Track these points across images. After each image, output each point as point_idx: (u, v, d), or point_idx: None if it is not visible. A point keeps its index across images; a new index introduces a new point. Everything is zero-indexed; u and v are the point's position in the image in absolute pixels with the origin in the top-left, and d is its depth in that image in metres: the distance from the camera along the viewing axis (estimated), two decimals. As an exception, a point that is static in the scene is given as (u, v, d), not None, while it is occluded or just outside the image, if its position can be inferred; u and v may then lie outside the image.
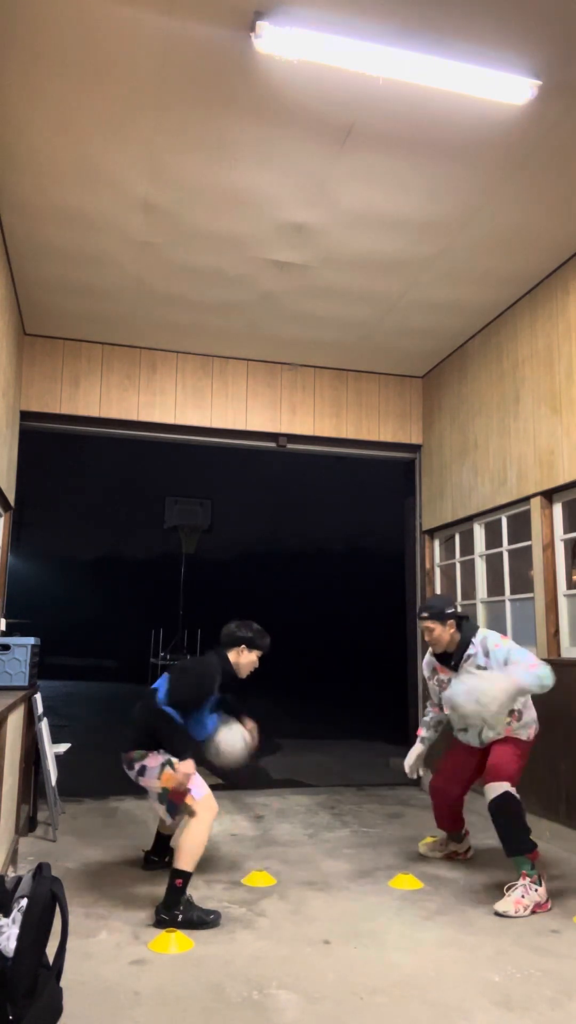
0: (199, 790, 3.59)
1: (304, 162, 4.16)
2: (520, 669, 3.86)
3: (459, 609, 4.39)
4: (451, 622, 4.22)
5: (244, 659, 4.00)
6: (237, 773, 4.03)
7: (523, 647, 4.16)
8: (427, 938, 3.37)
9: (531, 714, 4.14)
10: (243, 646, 3.99)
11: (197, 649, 16.98)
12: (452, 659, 4.25)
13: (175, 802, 3.59)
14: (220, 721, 4.00)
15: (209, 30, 3.24)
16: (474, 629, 4.24)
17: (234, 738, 3.98)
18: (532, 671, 3.82)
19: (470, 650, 4.17)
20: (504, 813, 3.83)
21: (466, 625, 4.27)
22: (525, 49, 3.33)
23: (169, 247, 5.10)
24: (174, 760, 3.60)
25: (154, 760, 3.63)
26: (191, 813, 3.55)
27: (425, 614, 4.27)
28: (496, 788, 3.87)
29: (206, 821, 3.55)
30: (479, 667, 4.09)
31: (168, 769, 3.59)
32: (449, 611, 4.24)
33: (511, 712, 4.06)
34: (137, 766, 3.66)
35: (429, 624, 4.24)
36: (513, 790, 3.88)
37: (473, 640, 4.18)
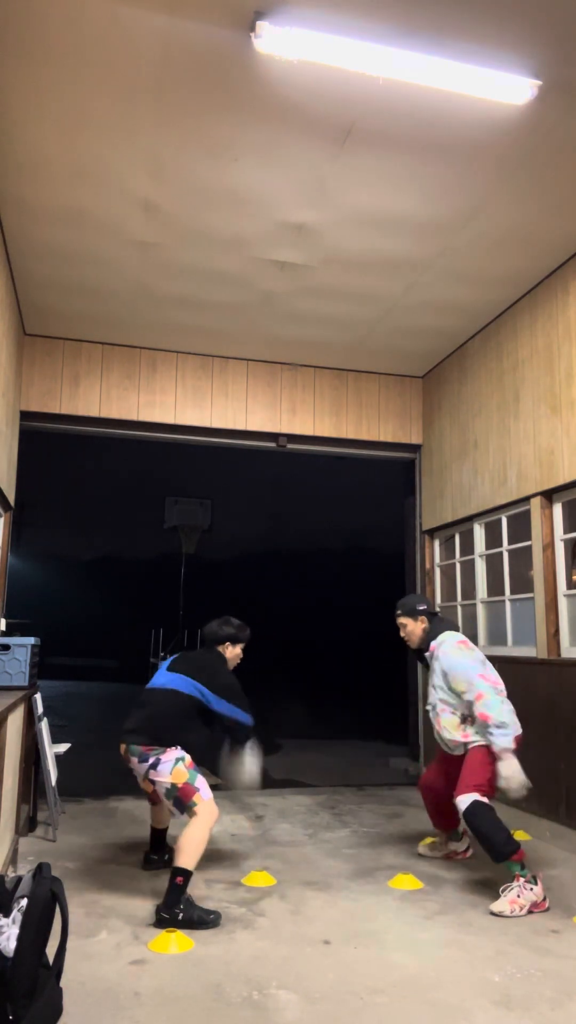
0: (206, 792, 3.64)
1: (304, 162, 4.16)
2: (492, 739, 3.89)
3: (433, 607, 4.51)
4: (422, 618, 4.40)
5: (231, 654, 4.17)
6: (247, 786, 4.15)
7: (469, 658, 4.11)
8: (427, 938, 3.37)
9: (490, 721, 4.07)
10: (228, 642, 4.15)
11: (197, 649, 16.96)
12: (423, 655, 4.43)
13: (183, 799, 3.62)
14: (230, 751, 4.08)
15: (209, 30, 3.24)
16: (439, 630, 4.33)
17: (250, 768, 4.05)
18: (491, 726, 3.89)
19: (428, 651, 4.32)
20: (476, 823, 3.83)
21: (435, 623, 4.39)
22: (525, 49, 3.33)
23: (169, 247, 5.10)
24: (186, 759, 3.69)
25: (169, 755, 3.69)
26: (192, 813, 3.58)
27: (398, 611, 4.48)
28: (463, 801, 3.89)
29: (208, 823, 3.59)
30: (435, 669, 4.25)
31: (180, 766, 3.65)
32: (420, 607, 4.42)
33: (464, 719, 4.10)
34: (152, 759, 3.70)
35: (401, 620, 4.45)
36: (482, 797, 3.87)
37: (434, 641, 4.30)
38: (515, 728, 3.97)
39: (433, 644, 4.29)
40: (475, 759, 4.01)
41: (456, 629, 4.40)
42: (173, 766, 3.65)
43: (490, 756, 3.97)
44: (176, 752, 3.70)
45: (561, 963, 3.12)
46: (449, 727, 4.16)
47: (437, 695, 4.25)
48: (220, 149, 4.06)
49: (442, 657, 4.19)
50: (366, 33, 3.23)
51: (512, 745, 3.88)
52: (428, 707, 4.39)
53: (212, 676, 3.92)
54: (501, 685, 4.08)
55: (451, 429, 6.85)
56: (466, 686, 4.02)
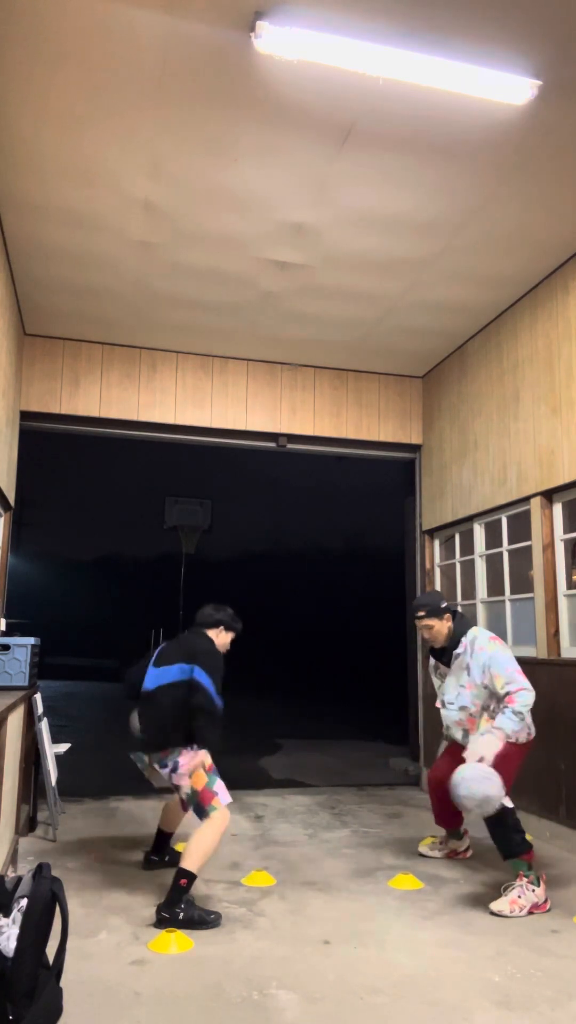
0: (224, 797, 3.62)
1: (304, 162, 4.16)
2: (501, 717, 3.86)
3: (455, 606, 4.43)
4: (447, 616, 4.28)
5: (220, 640, 4.09)
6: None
7: (507, 653, 4.09)
8: (427, 938, 3.37)
9: None
10: (221, 627, 4.10)
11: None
12: (446, 655, 4.30)
13: (202, 804, 3.60)
14: None
15: (209, 30, 3.24)
16: (467, 626, 4.25)
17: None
18: (511, 709, 3.85)
19: (459, 648, 4.21)
20: (493, 818, 3.82)
21: (459, 620, 4.29)
22: (525, 49, 3.32)
23: (169, 247, 5.10)
24: (207, 762, 3.64)
25: (186, 756, 3.64)
26: (209, 817, 3.57)
27: (422, 612, 4.29)
28: None
29: (220, 828, 3.57)
30: (467, 666, 4.14)
31: (200, 771, 3.63)
32: (444, 605, 4.29)
33: (485, 708, 4.08)
34: (170, 763, 3.67)
35: (427, 621, 4.27)
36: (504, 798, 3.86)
37: (464, 638, 4.20)
38: (526, 728, 4.01)
39: (464, 641, 4.18)
40: (500, 753, 3.99)
41: (475, 624, 4.35)
42: (193, 771, 3.63)
43: (514, 750, 3.97)
44: (193, 753, 3.64)
45: (561, 963, 3.12)
46: (483, 726, 4.08)
47: (468, 695, 4.15)
48: (220, 149, 4.06)
49: (479, 653, 4.09)
50: (366, 33, 3.23)
51: (511, 734, 3.84)
52: (449, 705, 4.29)
53: (206, 657, 3.81)
54: None
55: (451, 429, 6.85)
56: (507, 678, 3.96)
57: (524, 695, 3.88)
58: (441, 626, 4.26)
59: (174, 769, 3.66)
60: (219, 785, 3.63)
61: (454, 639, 4.23)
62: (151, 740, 3.72)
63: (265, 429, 7.04)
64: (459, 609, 4.53)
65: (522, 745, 4.05)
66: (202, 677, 3.68)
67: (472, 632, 4.21)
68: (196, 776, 3.62)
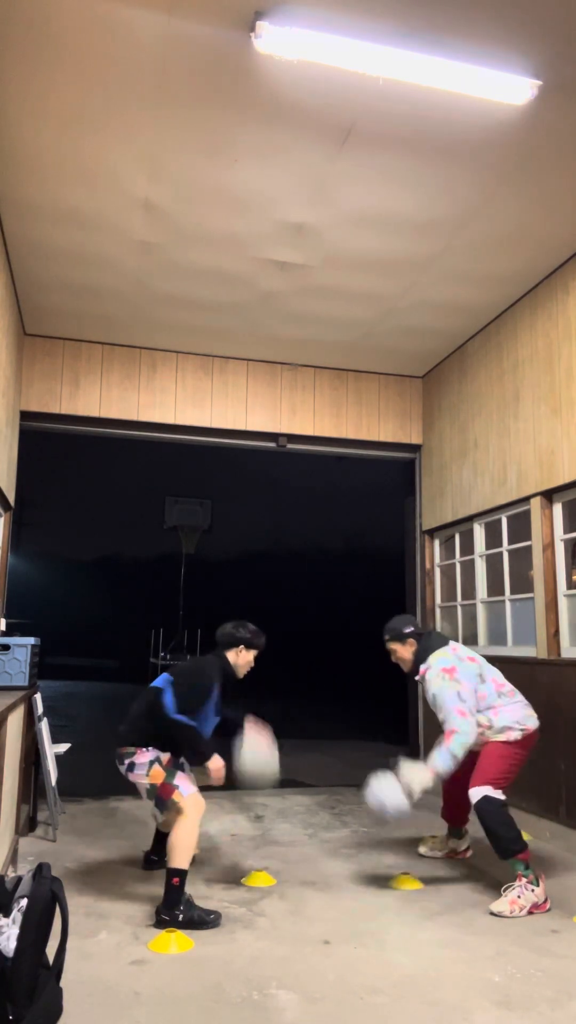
0: (186, 788, 3.62)
1: (304, 162, 4.16)
2: (435, 754, 3.85)
3: (418, 627, 4.39)
4: (411, 640, 4.29)
5: (242, 659, 4.06)
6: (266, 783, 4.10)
7: (454, 690, 3.95)
8: (427, 938, 3.36)
9: (504, 719, 4.02)
10: (241, 646, 4.06)
11: (197, 649, 16.98)
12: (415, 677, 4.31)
13: (163, 798, 3.63)
14: (239, 744, 3.99)
15: (209, 30, 3.24)
16: (428, 652, 4.17)
17: (261, 758, 4.01)
18: (445, 749, 3.82)
19: (418, 676, 4.22)
20: (486, 817, 3.84)
21: (423, 643, 4.26)
22: (525, 49, 3.32)
23: (169, 247, 5.10)
24: (163, 758, 3.68)
25: (142, 757, 3.69)
26: (179, 811, 3.58)
27: (386, 636, 4.37)
28: (476, 793, 3.89)
29: (194, 818, 3.58)
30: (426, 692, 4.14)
31: (156, 766, 3.65)
32: (407, 630, 4.30)
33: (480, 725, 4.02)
34: (127, 762, 3.72)
35: (391, 646, 4.35)
36: (494, 792, 3.87)
37: (422, 666, 4.17)
38: (516, 727, 4.01)
39: (422, 668, 4.16)
40: (493, 752, 4.01)
41: (445, 643, 4.21)
42: (149, 768, 3.65)
43: (507, 749, 3.99)
44: (149, 753, 3.69)
45: (561, 963, 3.12)
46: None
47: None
48: (220, 149, 4.06)
49: (429, 685, 4.08)
50: (366, 33, 3.23)
51: (439, 770, 3.82)
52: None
53: (183, 675, 3.87)
54: (499, 693, 4.08)
55: (451, 429, 6.85)
56: (446, 717, 3.94)
57: (458, 738, 3.84)
58: (404, 651, 4.30)
59: (130, 768, 3.70)
60: (179, 778, 3.64)
61: (416, 662, 4.23)
62: (119, 732, 3.81)
63: (265, 429, 7.04)
64: (428, 631, 4.46)
65: (513, 743, 4.04)
66: (167, 698, 3.72)
67: (430, 661, 4.13)
68: (154, 772, 3.65)
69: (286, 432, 7.09)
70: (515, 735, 4.03)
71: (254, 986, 2.85)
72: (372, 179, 4.31)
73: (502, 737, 4.02)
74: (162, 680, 3.89)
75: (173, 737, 3.71)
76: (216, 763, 3.69)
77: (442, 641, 4.25)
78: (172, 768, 3.68)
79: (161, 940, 3.20)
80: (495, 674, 4.20)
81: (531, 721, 4.10)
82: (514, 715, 4.06)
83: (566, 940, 3.37)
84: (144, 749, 3.71)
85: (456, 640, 4.86)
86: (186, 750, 3.77)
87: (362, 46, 3.26)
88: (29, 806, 5.05)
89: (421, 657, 4.21)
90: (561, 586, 5.28)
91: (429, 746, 6.80)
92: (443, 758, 3.82)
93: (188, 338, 6.61)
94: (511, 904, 3.64)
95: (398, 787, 3.81)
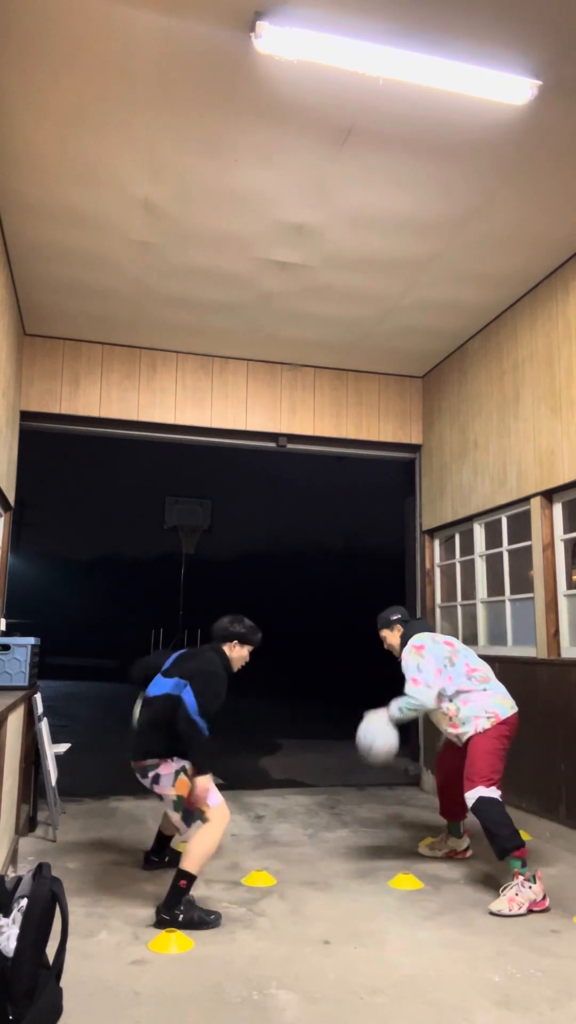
0: (214, 798, 3.58)
1: (304, 162, 4.16)
2: (394, 700, 4.18)
3: (405, 616, 4.58)
4: (397, 627, 4.49)
5: (236, 654, 4.04)
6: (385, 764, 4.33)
7: (416, 660, 4.22)
8: (427, 938, 3.37)
9: (473, 708, 4.15)
10: (236, 641, 4.03)
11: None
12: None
13: (190, 810, 3.59)
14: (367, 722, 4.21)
15: (209, 30, 3.24)
16: (411, 634, 4.40)
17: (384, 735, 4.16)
18: (393, 703, 4.16)
19: (400, 659, 4.40)
20: (482, 817, 3.87)
21: (405, 628, 4.47)
22: (525, 49, 3.32)
23: (169, 247, 5.10)
24: (188, 768, 3.59)
25: (167, 768, 3.62)
26: (205, 820, 3.56)
27: (378, 625, 4.58)
28: (471, 796, 3.95)
29: (219, 828, 3.56)
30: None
31: (183, 776, 3.59)
32: (394, 617, 4.53)
33: (449, 699, 4.21)
34: (151, 774, 3.65)
35: (382, 634, 4.57)
36: (487, 791, 3.91)
37: (403, 649, 4.38)
38: (483, 716, 4.11)
39: (404, 651, 4.37)
40: (477, 749, 4.05)
41: (429, 630, 4.45)
42: (175, 779, 3.60)
43: (488, 743, 4.04)
44: (175, 764, 3.62)
45: (561, 963, 3.12)
46: (441, 721, 4.31)
47: None
48: (220, 149, 4.06)
49: (402, 660, 4.33)
50: (366, 33, 3.23)
51: (394, 712, 4.14)
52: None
53: (202, 679, 3.72)
54: (468, 676, 4.22)
55: (451, 429, 6.85)
56: (407, 677, 4.21)
57: (405, 700, 4.16)
58: (392, 637, 4.52)
59: (155, 780, 3.64)
60: (209, 789, 3.56)
61: (401, 647, 4.43)
62: (135, 745, 3.72)
63: (265, 429, 7.04)
64: (414, 618, 4.64)
65: (491, 735, 4.06)
66: (189, 699, 3.59)
67: (409, 642, 4.36)
68: (179, 783, 3.59)
69: (286, 432, 7.09)
70: (483, 724, 4.09)
71: (254, 986, 2.85)
72: (372, 179, 4.31)
73: (472, 728, 4.10)
74: (172, 686, 3.72)
75: (184, 739, 3.57)
76: (203, 781, 3.54)
77: (424, 627, 4.48)
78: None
79: (161, 940, 3.20)
80: (469, 658, 4.33)
81: (503, 709, 4.13)
82: (483, 703, 4.14)
83: (566, 940, 3.37)
84: (169, 760, 3.62)
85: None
86: (192, 757, 3.61)
87: (362, 46, 3.26)
88: (29, 806, 5.05)
89: (404, 641, 4.41)
90: (561, 586, 5.28)
91: (429, 746, 6.81)
92: (396, 708, 4.16)
93: (188, 338, 6.61)
94: (509, 902, 3.65)
95: (389, 727, 4.08)
